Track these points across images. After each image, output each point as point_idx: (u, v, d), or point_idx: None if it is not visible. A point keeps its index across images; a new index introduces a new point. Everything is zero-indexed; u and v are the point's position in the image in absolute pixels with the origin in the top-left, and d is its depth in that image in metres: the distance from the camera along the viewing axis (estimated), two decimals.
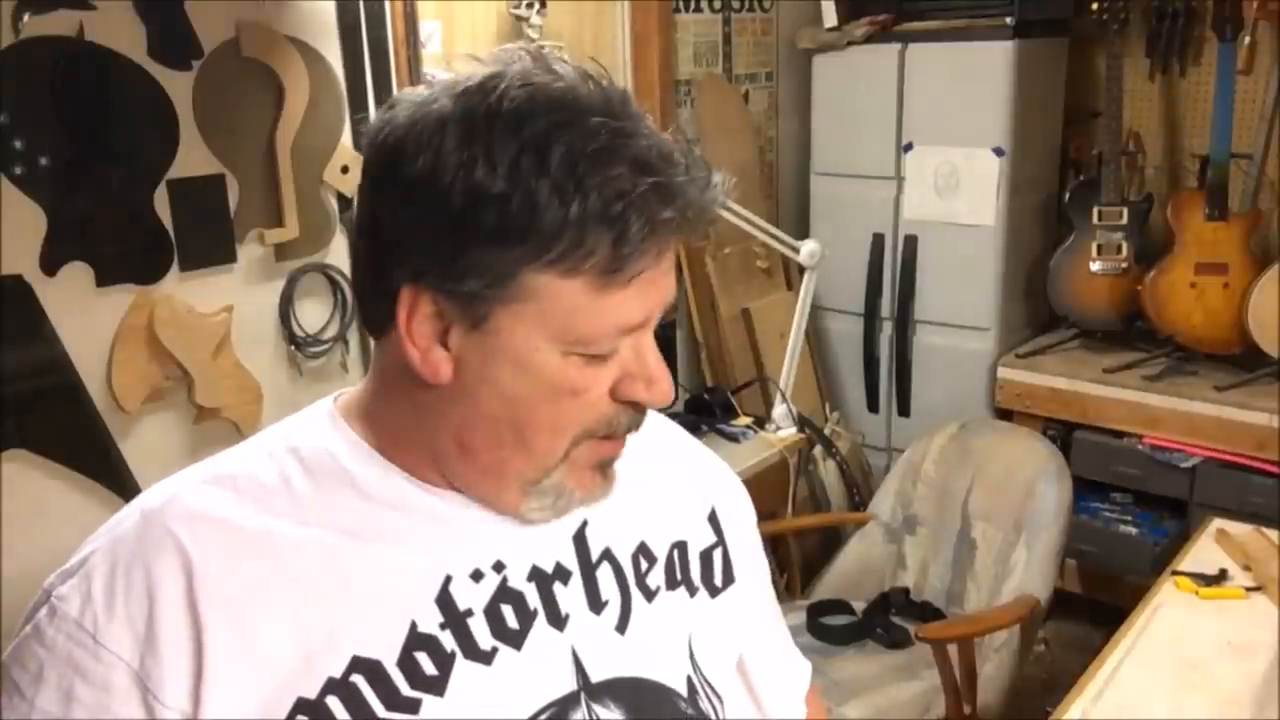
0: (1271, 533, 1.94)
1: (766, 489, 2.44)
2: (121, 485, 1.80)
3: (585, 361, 0.67)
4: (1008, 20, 2.82)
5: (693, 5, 2.90)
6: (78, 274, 1.74)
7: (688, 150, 0.67)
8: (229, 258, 1.94)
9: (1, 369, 1.65)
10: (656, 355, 0.71)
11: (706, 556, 0.85)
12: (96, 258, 1.75)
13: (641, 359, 0.70)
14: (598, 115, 0.63)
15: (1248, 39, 2.74)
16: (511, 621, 0.73)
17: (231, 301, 1.94)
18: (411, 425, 0.72)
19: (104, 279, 1.77)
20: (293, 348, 2.06)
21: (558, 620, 0.75)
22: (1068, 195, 2.99)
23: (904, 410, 3.20)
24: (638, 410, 0.71)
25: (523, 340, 0.66)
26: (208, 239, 1.90)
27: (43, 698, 0.65)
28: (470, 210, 0.62)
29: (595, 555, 0.78)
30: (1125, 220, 2.87)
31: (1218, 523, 2.02)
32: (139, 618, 0.66)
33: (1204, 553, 1.92)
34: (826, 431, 3.00)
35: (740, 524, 0.90)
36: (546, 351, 0.66)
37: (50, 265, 1.70)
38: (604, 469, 0.74)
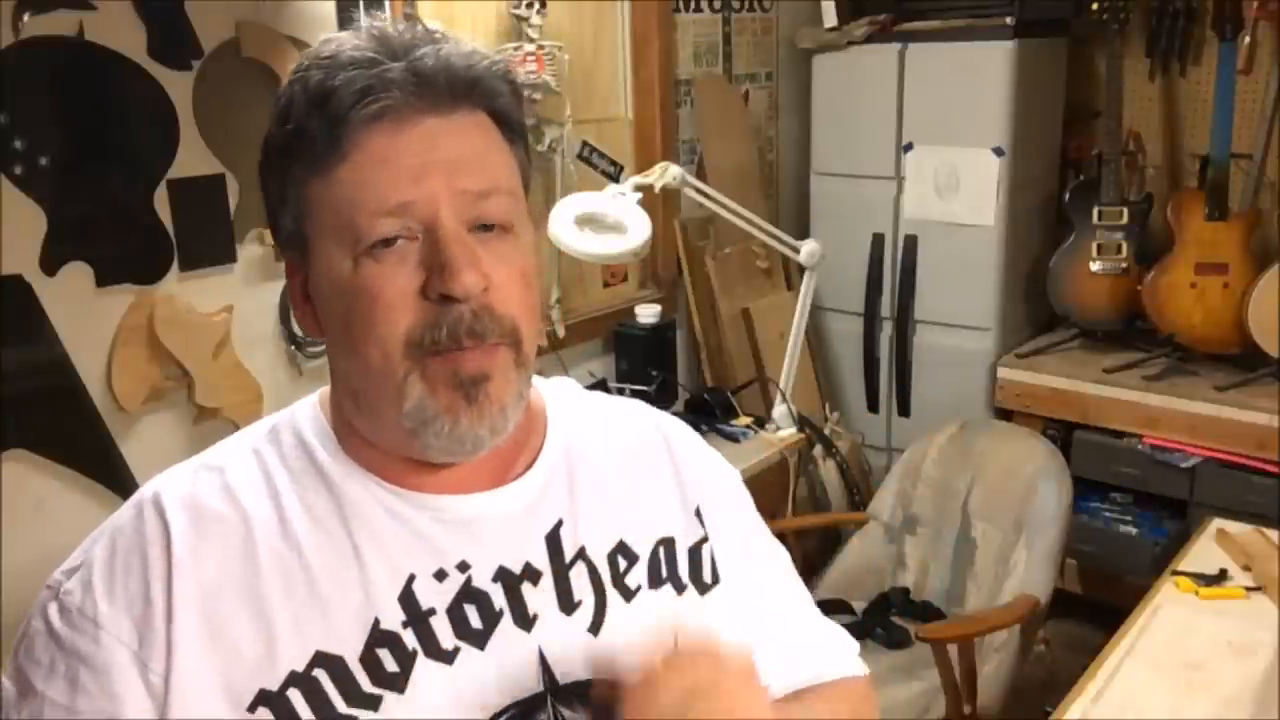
0: (1271, 533, 1.94)
1: (766, 489, 2.44)
2: (121, 485, 1.80)
3: (375, 263, 0.68)
4: (1008, 20, 2.82)
5: (693, 5, 2.90)
6: (78, 274, 1.74)
7: (430, 37, 0.70)
8: (229, 258, 1.94)
9: (1, 369, 1.65)
10: (457, 247, 0.68)
11: (695, 553, 0.84)
12: (96, 258, 1.75)
13: (435, 250, 0.68)
14: (351, 52, 0.69)
15: (1248, 39, 2.74)
16: (475, 621, 0.73)
17: (231, 301, 1.94)
18: (344, 409, 0.75)
19: (104, 279, 1.77)
20: (293, 348, 2.06)
21: (525, 621, 0.75)
22: (1068, 195, 2.99)
23: (904, 410, 3.20)
24: (452, 305, 0.68)
25: (327, 260, 0.70)
26: (208, 239, 1.90)
27: (53, 689, 0.67)
28: (267, 157, 0.72)
29: (569, 555, 0.78)
30: (1125, 220, 2.87)
31: (1218, 523, 2.02)
32: (137, 600, 0.68)
33: (1204, 553, 1.92)
34: (826, 431, 3.00)
35: (728, 520, 0.88)
36: (342, 262, 0.69)
37: (50, 265, 1.70)
38: (468, 391, 0.69)
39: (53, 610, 0.69)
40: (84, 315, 1.75)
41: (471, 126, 0.71)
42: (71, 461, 1.76)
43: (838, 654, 0.93)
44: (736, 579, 0.87)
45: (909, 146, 3.02)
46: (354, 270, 0.68)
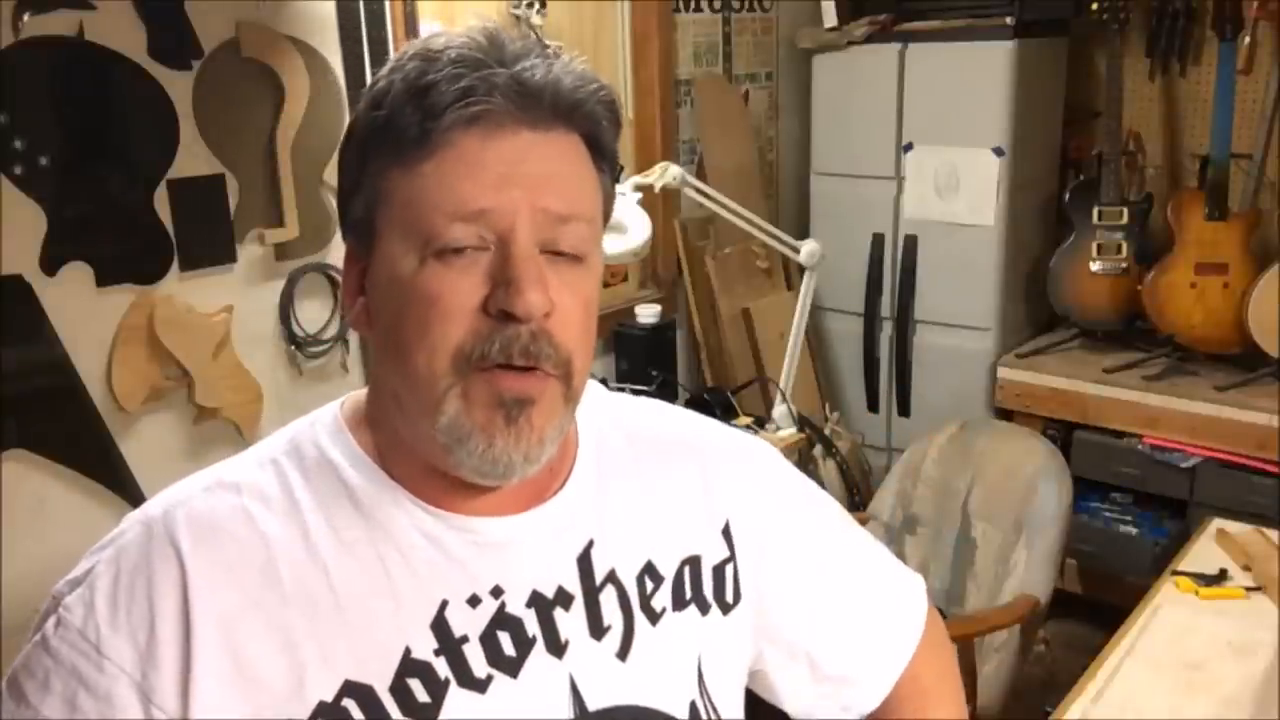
0: (1271, 533, 1.94)
1: None
2: (121, 485, 1.80)
3: (442, 266, 0.66)
4: (1008, 20, 2.82)
5: (693, 5, 2.90)
6: (78, 274, 1.74)
7: (542, 49, 0.69)
8: (229, 258, 1.94)
9: (1, 369, 1.65)
10: (527, 265, 0.66)
11: (719, 572, 0.82)
12: (96, 258, 1.75)
13: (505, 265, 0.66)
14: (459, 49, 0.67)
15: (1248, 39, 2.74)
16: (508, 649, 0.71)
17: (231, 301, 1.94)
18: (388, 411, 0.72)
19: (104, 279, 1.77)
20: (293, 348, 2.06)
21: (557, 648, 0.73)
22: (1068, 195, 2.99)
23: (904, 410, 3.20)
24: (511, 323, 0.65)
25: (390, 254, 0.68)
26: (208, 239, 1.90)
27: (48, 706, 0.65)
28: (351, 139, 0.71)
29: (600, 578, 0.76)
30: (1125, 220, 2.87)
31: (1218, 523, 2.01)
32: (141, 628, 0.66)
33: (1204, 553, 1.92)
34: (826, 431, 2.99)
35: (762, 525, 0.85)
36: (406, 259, 0.67)
37: (50, 265, 1.70)
38: (509, 412, 0.67)
39: (52, 626, 0.67)
40: (84, 315, 1.75)
41: (566, 147, 0.69)
42: (71, 461, 1.76)
43: (906, 622, 0.93)
44: (788, 580, 0.86)
45: (909, 146, 3.02)
46: (418, 269, 0.66)
